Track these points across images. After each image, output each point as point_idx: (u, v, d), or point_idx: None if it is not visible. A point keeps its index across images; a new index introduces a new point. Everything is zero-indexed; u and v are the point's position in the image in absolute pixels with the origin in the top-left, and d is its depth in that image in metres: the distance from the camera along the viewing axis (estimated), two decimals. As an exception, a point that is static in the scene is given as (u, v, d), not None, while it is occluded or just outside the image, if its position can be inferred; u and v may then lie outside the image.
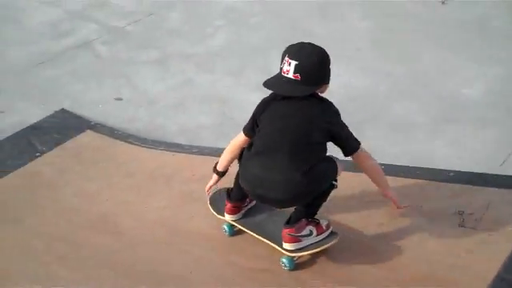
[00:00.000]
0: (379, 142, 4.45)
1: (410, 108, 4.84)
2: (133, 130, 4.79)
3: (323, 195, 3.04)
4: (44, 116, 4.90)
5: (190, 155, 4.36)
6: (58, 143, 4.54)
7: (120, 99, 5.16)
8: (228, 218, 3.26)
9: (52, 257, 3.45)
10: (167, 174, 4.08)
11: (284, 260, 3.01)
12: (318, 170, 2.88)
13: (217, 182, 3.30)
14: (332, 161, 3.02)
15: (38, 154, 4.44)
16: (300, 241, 2.93)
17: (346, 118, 4.55)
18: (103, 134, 4.62)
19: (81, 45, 5.88)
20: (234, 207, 3.21)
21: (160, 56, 5.75)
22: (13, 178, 4.19)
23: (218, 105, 5.13)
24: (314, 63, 2.85)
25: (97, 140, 4.58)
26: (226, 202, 3.23)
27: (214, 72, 5.54)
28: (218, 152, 4.36)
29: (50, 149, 4.48)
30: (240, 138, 3.13)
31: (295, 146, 2.84)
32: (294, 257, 3.01)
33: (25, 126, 4.76)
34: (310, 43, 2.96)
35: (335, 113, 2.97)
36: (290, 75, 2.84)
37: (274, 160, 2.85)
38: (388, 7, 6.42)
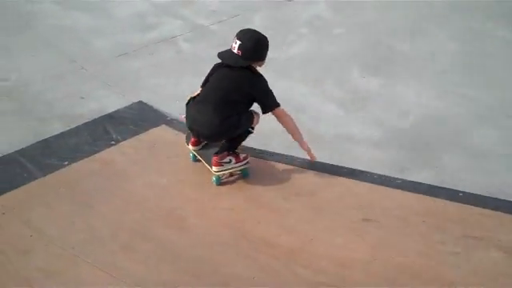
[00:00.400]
0: (455, 168, 4.32)
1: (490, 137, 4.67)
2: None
3: (241, 137, 4.15)
4: (122, 106, 4.98)
5: (261, 160, 4.34)
6: (133, 134, 4.60)
7: (197, 97, 5.18)
8: (190, 148, 4.30)
9: (117, 246, 3.49)
10: (237, 176, 4.08)
11: (214, 178, 4.10)
12: (234, 119, 3.96)
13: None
14: (250, 114, 4.07)
15: (112, 143, 4.51)
16: (222, 165, 4.05)
17: (421, 139, 4.44)
18: (178, 130, 4.65)
19: (164, 39, 5.95)
20: (195, 141, 4.27)
21: (240, 58, 5.75)
22: (87, 163, 4.28)
23: (292, 112, 5.08)
24: (251, 45, 3.95)
25: (171, 135, 4.61)
26: (191, 137, 4.25)
27: (291, 79, 5.51)
28: (287, 160, 4.36)
29: (125, 139, 4.56)
30: (198, 91, 4.17)
31: (219, 100, 3.93)
32: (220, 177, 4.09)
33: (103, 114, 4.86)
34: (254, 30, 4.08)
35: (261, 83, 4.04)
36: (235, 51, 3.93)
37: (205, 107, 3.97)
38: (478, 31, 6.25)
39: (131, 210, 3.79)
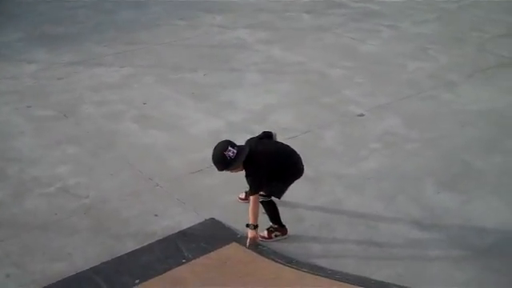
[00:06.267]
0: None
1: None
2: (277, 246, 4.79)
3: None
4: (195, 223, 5.06)
5: (333, 281, 4.24)
6: (204, 252, 4.64)
7: (268, 213, 5.20)
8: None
9: None
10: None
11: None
12: None
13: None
14: None
15: (183, 261, 4.55)
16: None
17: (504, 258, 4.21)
18: (249, 248, 4.64)
19: (237, 157, 6.07)
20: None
21: (312, 174, 5.75)
22: (157, 281, 4.31)
23: (365, 229, 5.02)
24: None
25: (241, 253, 4.61)
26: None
27: (363, 195, 5.48)
28: (361, 281, 4.24)
29: (196, 257, 4.59)
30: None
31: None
32: None
33: (175, 231, 4.94)
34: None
35: None
36: (235, 150, 4.57)
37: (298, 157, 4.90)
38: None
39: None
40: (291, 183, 4.83)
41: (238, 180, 5.65)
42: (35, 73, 8.24)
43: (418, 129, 6.62)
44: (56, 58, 8.78)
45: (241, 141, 6.28)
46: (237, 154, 4.56)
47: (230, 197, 5.44)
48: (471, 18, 10.40)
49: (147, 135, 6.56)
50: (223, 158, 4.58)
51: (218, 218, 5.14)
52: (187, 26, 10.11)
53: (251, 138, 4.97)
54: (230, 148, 4.57)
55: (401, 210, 5.24)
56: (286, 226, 4.91)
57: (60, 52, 8.97)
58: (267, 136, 5.02)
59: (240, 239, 4.78)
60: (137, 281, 4.29)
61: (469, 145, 6.26)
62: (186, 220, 5.11)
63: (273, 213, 4.85)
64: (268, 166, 4.66)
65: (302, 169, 4.86)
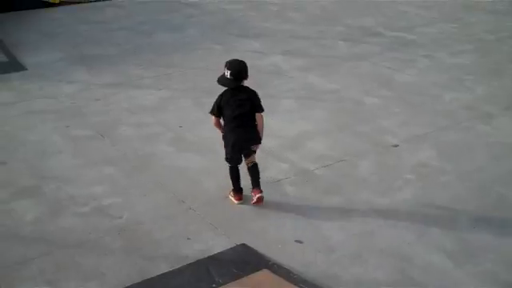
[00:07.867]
0: None
1: None
2: (308, 275, 4.77)
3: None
4: (226, 248, 5.07)
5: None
6: (235, 277, 4.64)
7: (300, 242, 5.19)
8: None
9: None
10: None
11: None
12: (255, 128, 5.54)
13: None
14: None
15: (214, 286, 4.56)
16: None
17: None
18: (279, 275, 4.65)
19: (270, 182, 6.08)
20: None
21: (344, 203, 5.77)
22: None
23: (397, 262, 4.97)
24: (238, 70, 5.39)
25: (273, 281, 4.61)
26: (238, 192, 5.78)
27: (396, 226, 5.44)
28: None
29: (226, 282, 4.60)
30: (213, 118, 5.60)
31: (251, 120, 5.51)
32: None
33: (207, 255, 4.97)
34: (237, 59, 5.50)
35: (257, 95, 5.54)
36: (229, 77, 5.38)
37: (247, 128, 5.51)
38: None
39: None
40: (233, 150, 5.55)
41: (269, 206, 5.70)
42: (74, 93, 8.42)
43: (453, 161, 6.56)
44: (94, 79, 8.96)
45: (274, 169, 6.34)
46: (226, 79, 5.39)
47: (261, 222, 5.45)
48: (508, 49, 10.32)
49: (182, 158, 6.63)
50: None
51: (249, 243, 5.15)
52: (223, 50, 10.23)
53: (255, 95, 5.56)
54: (228, 72, 5.35)
55: (434, 243, 5.19)
56: (241, 195, 5.74)
57: (98, 73, 9.16)
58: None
59: (271, 266, 4.78)
60: (167, 303, 4.32)
61: (504, 178, 6.19)
62: (217, 244, 5.13)
63: (230, 176, 5.74)
64: (226, 108, 5.43)
65: (241, 139, 5.50)
